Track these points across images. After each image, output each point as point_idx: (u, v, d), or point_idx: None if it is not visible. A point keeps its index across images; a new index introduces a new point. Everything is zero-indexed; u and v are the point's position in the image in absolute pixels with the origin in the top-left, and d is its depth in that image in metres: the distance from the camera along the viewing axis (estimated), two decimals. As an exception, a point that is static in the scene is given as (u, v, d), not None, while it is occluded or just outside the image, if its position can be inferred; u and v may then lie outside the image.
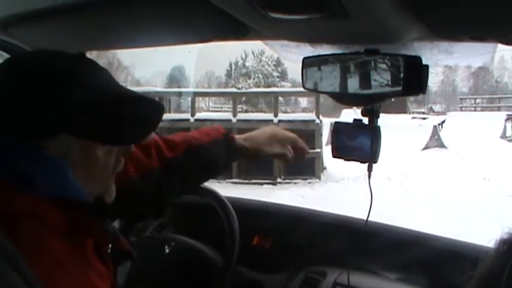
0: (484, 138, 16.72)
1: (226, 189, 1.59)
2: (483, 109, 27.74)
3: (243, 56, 35.83)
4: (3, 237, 0.78)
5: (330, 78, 1.14)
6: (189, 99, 13.18)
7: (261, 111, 21.25)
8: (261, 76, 34.40)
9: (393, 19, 0.86)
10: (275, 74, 35.07)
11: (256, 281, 1.68)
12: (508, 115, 20.15)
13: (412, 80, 1.02)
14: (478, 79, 43.16)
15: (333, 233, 1.66)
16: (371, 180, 1.25)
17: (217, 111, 26.26)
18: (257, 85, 32.12)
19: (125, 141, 1.01)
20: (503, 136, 18.68)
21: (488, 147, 15.23)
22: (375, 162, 1.20)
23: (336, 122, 1.27)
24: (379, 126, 1.19)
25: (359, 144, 1.20)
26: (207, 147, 1.42)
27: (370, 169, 1.24)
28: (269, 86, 30.00)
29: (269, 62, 34.82)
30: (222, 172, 1.51)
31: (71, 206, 0.90)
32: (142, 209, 1.43)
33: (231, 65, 37.91)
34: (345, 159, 1.26)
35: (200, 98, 26.38)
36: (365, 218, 1.32)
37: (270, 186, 10.95)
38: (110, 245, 1.06)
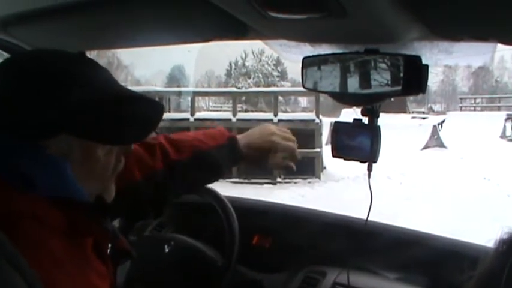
0: (483, 138, 16.71)
1: (226, 188, 1.59)
2: (483, 109, 27.74)
3: (243, 56, 35.87)
4: (3, 237, 0.78)
5: (329, 78, 1.14)
6: (189, 98, 13.16)
7: (260, 110, 21.27)
8: (260, 76, 34.41)
9: (392, 18, 0.86)
10: (275, 73, 35.08)
11: (255, 280, 1.68)
12: (507, 115, 20.14)
13: (412, 80, 1.02)
14: (478, 79, 43.18)
15: (332, 233, 1.66)
16: (371, 179, 1.25)
17: (217, 110, 26.27)
18: (257, 84, 32.13)
19: (125, 141, 1.01)
20: (503, 136, 18.68)
21: (488, 147, 15.22)
22: (375, 161, 1.20)
23: (335, 122, 1.27)
24: (378, 126, 1.19)
25: (359, 144, 1.20)
26: (212, 152, 1.42)
27: (369, 169, 1.24)
28: (269, 86, 30.00)
29: (269, 62, 34.83)
30: (223, 176, 1.51)
31: (71, 205, 0.90)
32: (144, 209, 1.43)
33: (230, 64, 37.94)
34: (345, 159, 1.25)
35: (200, 98, 26.43)
36: (365, 218, 1.32)
37: (270, 185, 10.94)
38: (110, 245, 1.06)
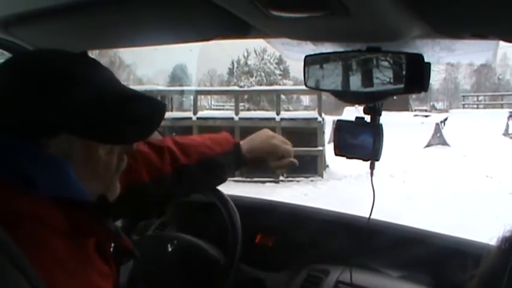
0: (486, 136, 16.67)
1: (229, 187, 1.59)
2: (485, 106, 27.64)
3: (245, 54, 35.91)
4: (6, 237, 0.78)
5: (332, 76, 1.14)
6: (191, 97, 13.17)
7: (263, 109, 21.32)
8: (263, 74, 34.43)
9: (394, 17, 0.86)
10: (277, 72, 35.11)
11: (258, 279, 1.68)
12: (510, 112, 20.06)
13: (414, 78, 1.02)
14: (480, 76, 43.06)
15: (335, 231, 1.66)
16: (373, 178, 1.25)
17: (220, 109, 26.24)
18: (259, 83, 32.16)
19: (126, 140, 1.01)
20: (506, 133, 18.62)
21: (490, 145, 15.18)
22: (377, 160, 1.20)
23: (338, 120, 1.27)
24: (381, 124, 1.19)
25: (361, 142, 1.20)
26: (219, 158, 1.48)
27: (372, 167, 1.24)
28: (271, 84, 30.07)
29: (271, 60, 34.87)
30: (226, 179, 1.56)
31: (72, 205, 0.90)
32: (149, 210, 1.46)
33: (233, 63, 37.95)
34: (347, 157, 1.25)
35: (202, 97, 26.38)
36: (367, 216, 1.32)
37: (273, 184, 10.94)
38: (112, 244, 1.07)
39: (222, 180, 1.56)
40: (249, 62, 35.89)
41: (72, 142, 0.91)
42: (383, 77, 1.05)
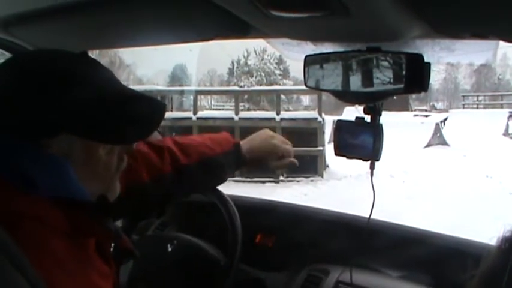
0: (486, 136, 16.67)
1: (229, 187, 1.59)
2: (485, 106, 27.64)
3: (245, 54, 35.89)
4: (6, 237, 0.78)
5: (332, 76, 1.15)
6: (191, 97, 13.18)
7: (263, 109, 21.32)
8: (263, 74, 34.42)
9: (394, 17, 0.86)
10: (277, 72, 35.09)
11: (258, 279, 1.68)
12: (510, 112, 20.07)
13: (414, 78, 1.02)
14: (480, 76, 43.04)
15: (335, 231, 1.66)
16: (373, 178, 1.25)
17: (220, 109, 26.25)
18: (259, 83, 32.15)
19: (126, 141, 1.01)
20: (506, 133, 18.62)
21: (490, 145, 15.19)
22: (377, 160, 1.20)
23: (338, 120, 1.27)
24: (381, 124, 1.19)
25: (361, 142, 1.20)
26: (219, 158, 1.48)
27: (372, 167, 1.24)
28: (271, 84, 30.06)
29: (271, 60, 34.85)
30: (226, 180, 1.57)
31: (72, 205, 0.90)
32: (149, 210, 1.46)
33: (233, 63, 37.93)
34: (347, 157, 1.25)
35: (202, 97, 26.37)
36: (367, 216, 1.32)
37: (273, 184, 10.95)
38: (112, 244, 1.07)
39: (222, 180, 1.56)
40: (249, 62, 35.87)
41: (72, 142, 0.91)
42: (383, 77, 1.05)
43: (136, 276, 1.59)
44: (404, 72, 1.02)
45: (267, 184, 10.86)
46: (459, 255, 1.30)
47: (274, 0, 0.85)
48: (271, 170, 1.92)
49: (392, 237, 1.55)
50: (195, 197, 1.65)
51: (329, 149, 10.60)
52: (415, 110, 28.19)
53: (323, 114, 11.66)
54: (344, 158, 1.26)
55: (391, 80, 1.04)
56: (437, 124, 17.51)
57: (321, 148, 11.33)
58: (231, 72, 38.75)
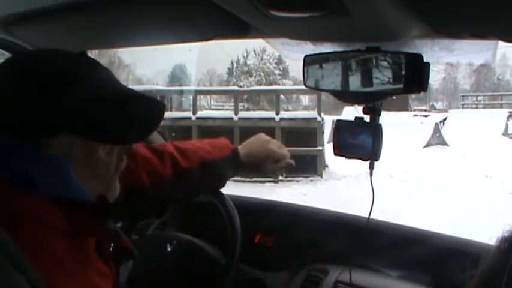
0: (486, 136, 16.67)
1: (228, 187, 1.59)
2: (485, 106, 27.61)
3: (245, 54, 35.92)
4: (6, 238, 0.78)
5: (331, 76, 1.15)
6: (191, 97, 13.19)
7: (262, 109, 21.31)
8: (262, 74, 34.44)
9: (394, 17, 0.86)
10: (276, 72, 35.11)
11: (258, 279, 1.68)
12: (510, 112, 20.06)
13: (414, 78, 1.02)
14: (479, 76, 43.03)
15: (334, 231, 1.66)
16: (373, 177, 1.25)
17: (219, 109, 26.26)
18: (259, 83, 32.17)
19: (126, 141, 1.01)
20: (505, 133, 18.62)
21: (490, 145, 15.19)
22: (377, 160, 1.20)
23: (337, 120, 1.27)
24: (380, 124, 1.19)
25: (360, 142, 1.20)
26: (219, 163, 1.50)
27: (371, 167, 1.24)
28: (270, 84, 30.07)
29: (270, 60, 34.87)
30: (225, 184, 1.60)
31: (72, 205, 0.90)
32: (149, 212, 1.48)
33: (232, 63, 37.95)
34: (347, 157, 1.26)
35: (202, 96, 26.37)
36: (367, 216, 1.32)
37: (272, 184, 10.94)
38: (112, 244, 1.07)
39: (222, 185, 1.58)
40: (249, 62, 35.90)
41: (72, 142, 0.91)
42: (382, 77, 1.05)
43: (136, 276, 1.59)
44: (403, 72, 1.02)
45: (267, 184, 10.86)
46: (459, 255, 1.30)
47: (273, 0, 0.85)
48: (268, 173, 1.95)
49: (391, 237, 1.55)
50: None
51: (328, 149, 10.61)
52: (415, 110, 28.16)
53: (322, 114, 11.65)
54: (343, 158, 1.27)
55: (391, 80, 1.04)
56: (436, 124, 17.51)
57: (320, 148, 11.33)
58: (230, 72, 38.76)
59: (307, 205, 1.89)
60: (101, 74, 0.98)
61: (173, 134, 11.15)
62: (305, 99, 32.65)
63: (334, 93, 1.17)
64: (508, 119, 19.41)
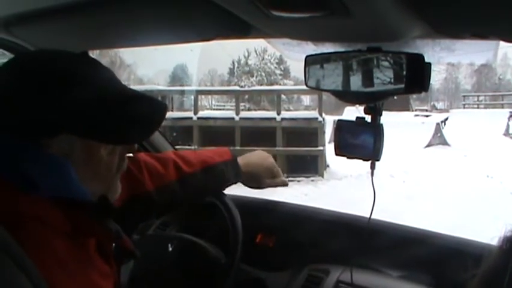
0: (487, 136, 16.65)
1: (229, 187, 1.60)
2: (486, 106, 27.56)
3: (246, 54, 35.93)
4: (8, 238, 0.78)
5: (332, 76, 1.15)
6: (192, 97, 13.17)
7: (263, 109, 21.33)
8: (263, 74, 34.44)
9: (395, 17, 0.86)
10: (278, 72, 35.12)
11: (259, 278, 1.68)
12: (511, 112, 20.04)
13: (415, 78, 1.02)
14: (481, 76, 42.96)
15: (335, 231, 1.66)
16: (374, 177, 1.25)
17: (220, 109, 26.24)
18: (260, 83, 32.18)
19: (127, 141, 1.01)
20: (507, 133, 18.59)
21: (491, 145, 15.17)
22: (378, 160, 1.20)
23: (338, 120, 1.27)
24: (381, 124, 1.19)
25: (362, 142, 1.20)
26: (221, 167, 1.52)
27: (372, 167, 1.24)
28: (272, 84, 30.08)
29: (272, 60, 34.88)
30: (226, 188, 1.62)
31: (73, 206, 0.91)
32: (153, 216, 1.51)
33: (233, 63, 37.95)
34: (348, 157, 1.25)
35: (203, 96, 26.32)
36: (368, 216, 1.32)
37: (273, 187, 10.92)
38: (113, 244, 1.07)
39: (223, 188, 1.60)
40: (250, 62, 35.90)
41: (73, 142, 0.91)
42: (383, 77, 1.05)
43: (137, 275, 1.59)
44: (404, 72, 1.02)
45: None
46: (460, 255, 1.30)
47: (274, 0, 0.85)
48: (264, 188, 1.96)
49: (392, 237, 1.55)
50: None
51: (329, 148, 10.59)
52: (416, 110, 28.15)
53: (323, 114, 11.64)
54: (344, 158, 1.26)
55: (392, 80, 1.04)
56: (437, 124, 17.49)
57: (321, 148, 11.32)
58: (231, 72, 38.76)
59: (308, 205, 1.89)
60: (102, 74, 0.98)
61: (174, 134, 11.15)
62: (306, 99, 32.62)
63: (335, 93, 1.17)
64: (509, 119, 19.37)
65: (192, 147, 10.27)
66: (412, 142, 15.11)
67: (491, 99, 29.88)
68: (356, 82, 1.10)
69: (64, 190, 0.90)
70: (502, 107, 25.21)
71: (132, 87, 1.10)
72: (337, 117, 1.41)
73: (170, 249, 1.62)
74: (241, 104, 14.55)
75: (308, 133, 11.39)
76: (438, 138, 16.69)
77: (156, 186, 1.39)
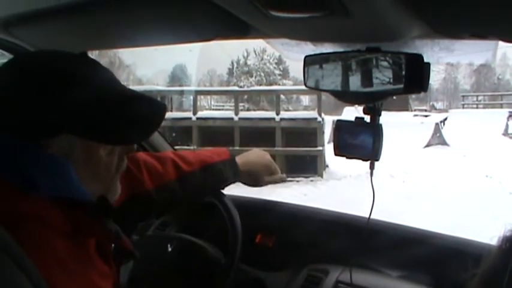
0: (486, 136, 16.65)
1: (229, 187, 1.60)
2: (485, 106, 27.56)
3: (245, 55, 35.92)
4: (9, 238, 0.78)
5: (331, 76, 1.15)
6: (191, 97, 13.19)
7: (262, 109, 21.30)
8: (262, 74, 34.43)
9: (394, 17, 0.86)
10: (277, 72, 35.10)
11: (258, 279, 1.68)
12: (510, 112, 20.02)
13: (414, 78, 1.02)
14: (480, 76, 43.00)
15: (335, 231, 1.66)
16: (373, 178, 1.25)
17: (219, 109, 26.23)
18: (259, 83, 32.16)
19: (127, 141, 1.01)
20: (506, 133, 18.59)
21: (490, 145, 15.17)
22: (377, 160, 1.20)
23: (337, 120, 1.27)
24: (380, 124, 1.19)
25: (361, 142, 1.20)
26: (219, 166, 1.53)
27: (372, 167, 1.24)
28: (271, 84, 30.06)
29: (271, 60, 34.87)
30: (225, 187, 1.62)
31: (73, 206, 0.91)
32: (152, 215, 1.52)
33: (232, 63, 37.95)
34: (347, 157, 1.26)
35: (202, 97, 26.35)
36: (367, 216, 1.32)
37: (272, 184, 10.92)
38: (113, 245, 1.07)
39: (222, 187, 1.60)
40: (249, 62, 35.90)
41: (73, 142, 0.91)
42: (382, 77, 1.05)
43: (136, 276, 1.59)
44: (403, 73, 1.02)
45: (267, 184, 10.83)
46: (459, 255, 1.30)
47: (273, 0, 0.85)
48: (263, 185, 1.96)
49: (392, 237, 1.55)
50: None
51: (329, 149, 10.60)
52: (415, 110, 28.14)
53: (323, 114, 11.65)
54: (344, 158, 1.26)
55: (391, 80, 1.04)
56: (436, 124, 17.49)
57: (320, 148, 11.32)
58: (230, 72, 38.75)
59: (307, 205, 1.89)
60: (101, 74, 0.99)
61: (173, 134, 11.15)
62: (305, 99, 32.63)
63: (334, 93, 1.17)
64: (508, 119, 19.38)
65: (191, 148, 10.28)
66: (411, 142, 15.11)
67: (490, 99, 29.88)
68: (355, 82, 1.10)
69: (64, 190, 0.90)
70: (501, 107, 25.22)
71: (131, 87, 1.10)
72: (336, 118, 1.41)
73: (169, 249, 1.62)
74: (241, 104, 14.54)
75: (307, 133, 11.40)
76: (437, 138, 16.69)
77: (155, 186, 1.39)
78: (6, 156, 0.88)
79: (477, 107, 27.67)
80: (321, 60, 1.17)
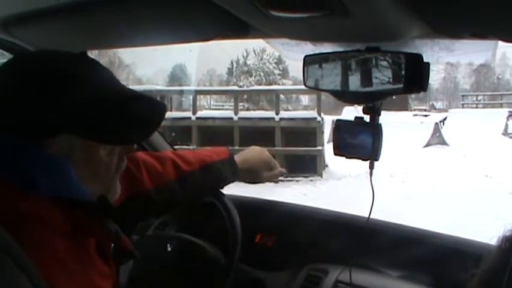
0: (486, 135, 16.65)
1: (229, 187, 1.60)
2: (485, 106, 27.56)
3: (244, 54, 35.91)
4: (9, 238, 0.78)
5: (331, 76, 1.15)
6: (191, 97, 13.19)
7: (262, 109, 21.31)
8: (262, 74, 34.43)
9: (394, 17, 0.86)
10: (276, 71, 35.10)
11: (258, 278, 1.68)
12: (509, 112, 20.01)
13: (413, 78, 1.02)
14: (479, 76, 42.99)
15: (334, 231, 1.66)
16: (373, 177, 1.25)
17: (219, 109, 26.24)
18: (258, 83, 32.16)
19: (127, 141, 1.01)
20: (505, 133, 18.59)
21: (490, 144, 15.17)
22: (377, 159, 1.20)
23: (337, 120, 1.27)
24: (380, 124, 1.19)
25: (360, 142, 1.20)
26: (218, 165, 1.53)
27: (371, 167, 1.24)
28: (270, 84, 30.05)
29: (270, 60, 34.87)
30: (224, 187, 1.63)
31: (73, 206, 0.91)
32: (152, 215, 1.52)
33: (232, 63, 37.96)
34: (347, 157, 1.26)
35: (202, 96, 26.35)
36: (367, 216, 1.32)
37: (272, 183, 10.92)
38: (112, 245, 1.07)
39: (222, 186, 1.60)
40: (248, 62, 35.90)
41: (73, 142, 0.91)
42: (382, 76, 1.05)
43: (136, 276, 1.59)
44: (403, 72, 1.02)
45: (266, 184, 10.79)
46: (459, 254, 1.31)
47: (273, 0, 0.85)
48: (263, 182, 1.96)
49: (392, 237, 1.55)
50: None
51: (328, 148, 10.60)
52: (415, 110, 28.12)
53: (322, 114, 11.64)
54: (343, 158, 1.27)
55: (390, 80, 1.04)
56: (436, 124, 17.50)
57: (320, 148, 11.32)
58: (230, 72, 38.76)
59: (307, 205, 1.89)
60: (101, 74, 0.98)
61: (173, 134, 11.15)
62: (305, 99, 32.60)
63: (334, 93, 1.17)
64: (508, 118, 19.38)
65: (191, 147, 10.27)
66: (411, 142, 15.11)
67: (490, 99, 29.90)
68: (355, 82, 1.10)
69: (64, 190, 0.90)
70: (501, 107, 25.21)
71: (131, 87, 1.10)
72: (335, 117, 1.40)
73: (169, 249, 1.62)
74: (240, 103, 14.54)
75: (307, 133, 11.40)
76: (437, 138, 16.70)
77: (155, 185, 1.39)
78: (6, 156, 0.88)
79: (477, 107, 27.66)
80: (320, 60, 1.17)
